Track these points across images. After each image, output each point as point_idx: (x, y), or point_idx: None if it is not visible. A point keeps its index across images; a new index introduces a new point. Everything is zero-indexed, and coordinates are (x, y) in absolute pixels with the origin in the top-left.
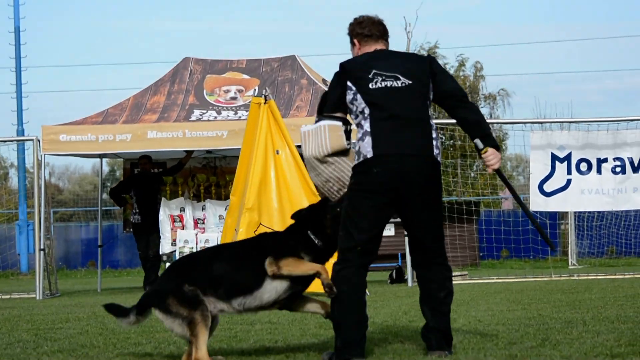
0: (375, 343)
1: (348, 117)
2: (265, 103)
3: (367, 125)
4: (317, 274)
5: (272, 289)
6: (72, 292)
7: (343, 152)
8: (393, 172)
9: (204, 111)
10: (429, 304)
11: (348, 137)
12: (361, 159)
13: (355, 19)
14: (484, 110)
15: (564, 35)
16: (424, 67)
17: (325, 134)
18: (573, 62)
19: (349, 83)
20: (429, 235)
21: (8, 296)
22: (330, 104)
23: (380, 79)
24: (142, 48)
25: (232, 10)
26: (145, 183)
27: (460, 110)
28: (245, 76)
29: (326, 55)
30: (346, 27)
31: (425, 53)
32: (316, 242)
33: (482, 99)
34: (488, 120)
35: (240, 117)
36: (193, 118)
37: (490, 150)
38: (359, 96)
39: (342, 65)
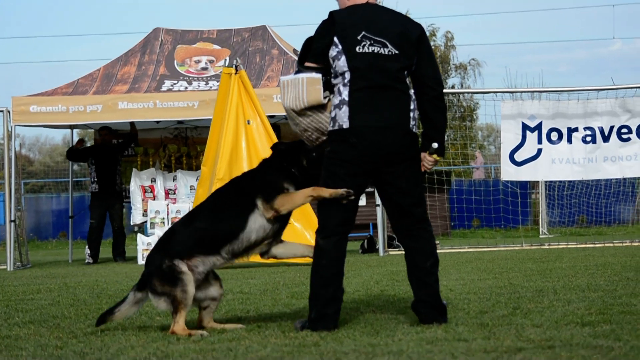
0: (347, 312)
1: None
2: (236, 73)
3: (345, 94)
4: (313, 197)
5: (257, 227)
6: (43, 264)
7: (320, 106)
8: (369, 144)
9: (175, 82)
10: (415, 275)
11: (327, 88)
12: (337, 127)
13: None
14: (455, 80)
15: (534, 4)
16: (413, 37)
17: (303, 87)
18: (543, 32)
19: (335, 39)
20: (408, 200)
21: None
22: (314, 54)
23: (369, 42)
24: (112, 18)
25: None
26: (104, 153)
27: (429, 105)
28: (216, 46)
29: (297, 25)
30: None
31: None
32: (295, 173)
33: (453, 68)
34: (459, 90)
35: (211, 87)
36: (164, 89)
37: (437, 158)
38: (343, 57)
39: (332, 15)
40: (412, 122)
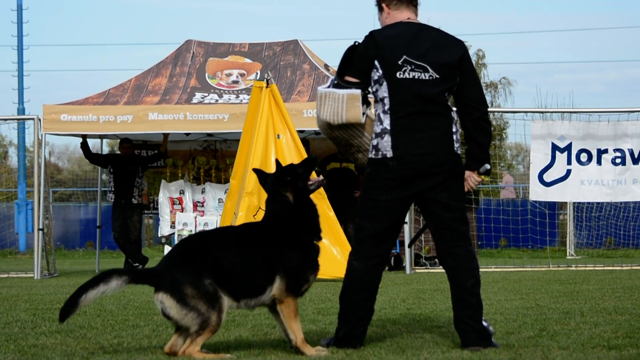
0: (374, 330)
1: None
2: (267, 87)
3: (387, 122)
4: (296, 341)
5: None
6: (70, 273)
7: (358, 124)
8: (412, 170)
9: (206, 94)
10: (456, 295)
11: (364, 102)
12: (380, 156)
13: None
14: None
15: (566, 24)
16: (455, 57)
17: (343, 104)
18: (575, 52)
19: (376, 62)
20: (450, 215)
21: (6, 275)
22: (354, 71)
23: (409, 68)
24: (144, 29)
25: None
26: (123, 164)
27: (474, 126)
28: (248, 60)
29: (329, 40)
30: (349, 11)
31: None
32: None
33: (484, 87)
34: (489, 110)
35: (241, 100)
36: (194, 101)
37: (485, 179)
38: (384, 82)
39: (373, 36)
40: (456, 145)
